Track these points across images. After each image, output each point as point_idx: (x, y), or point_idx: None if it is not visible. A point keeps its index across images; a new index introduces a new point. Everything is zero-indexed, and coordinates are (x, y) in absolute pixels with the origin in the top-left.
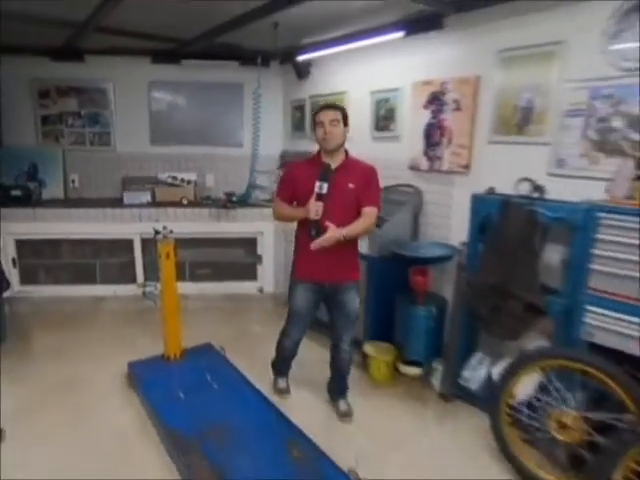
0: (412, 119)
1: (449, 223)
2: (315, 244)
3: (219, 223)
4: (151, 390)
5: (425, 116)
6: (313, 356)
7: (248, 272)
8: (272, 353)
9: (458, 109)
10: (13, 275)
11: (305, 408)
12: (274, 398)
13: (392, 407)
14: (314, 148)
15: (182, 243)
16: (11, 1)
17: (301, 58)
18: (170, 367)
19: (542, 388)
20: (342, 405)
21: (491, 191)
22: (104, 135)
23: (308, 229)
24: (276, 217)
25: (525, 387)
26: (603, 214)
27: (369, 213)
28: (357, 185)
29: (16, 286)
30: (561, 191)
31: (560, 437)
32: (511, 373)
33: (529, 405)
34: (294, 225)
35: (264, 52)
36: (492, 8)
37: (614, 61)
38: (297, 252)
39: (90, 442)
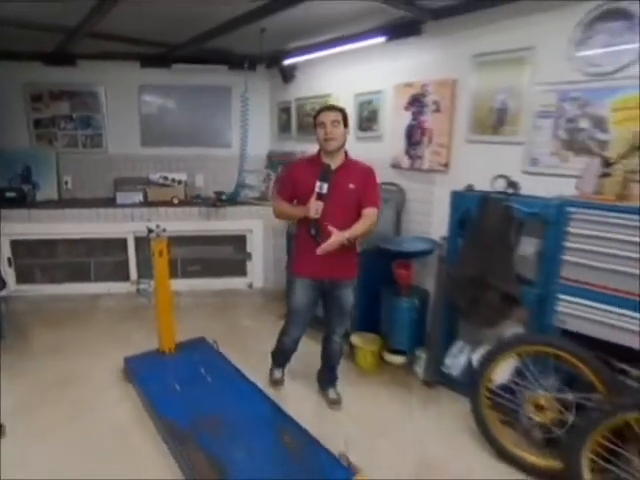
0: (394, 120)
1: (430, 219)
2: (321, 250)
3: (209, 221)
4: (147, 383)
5: (406, 117)
6: (303, 348)
7: (238, 268)
8: (263, 346)
9: (437, 110)
10: (9, 275)
11: (296, 398)
12: (269, 390)
13: (378, 394)
14: (300, 148)
15: (174, 241)
16: (5, 7)
17: (287, 62)
18: (165, 361)
19: (519, 373)
20: (331, 394)
21: (469, 188)
22: (96, 137)
23: (307, 227)
24: (276, 214)
25: (503, 372)
26: (573, 209)
27: (370, 214)
28: (357, 185)
29: (12, 285)
30: (534, 187)
31: (536, 417)
32: (490, 359)
33: (507, 389)
34: (284, 223)
35: (251, 56)
36: (467, 16)
37: (580, 66)
38: (296, 249)
39: (89, 436)
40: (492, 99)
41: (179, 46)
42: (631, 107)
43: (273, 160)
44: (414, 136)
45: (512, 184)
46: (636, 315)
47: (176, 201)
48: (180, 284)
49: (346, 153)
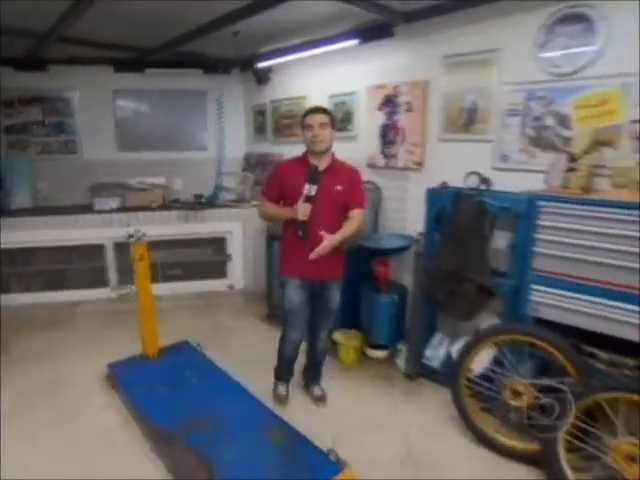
0: (368, 120)
1: (405, 216)
2: (314, 254)
3: (188, 224)
4: (132, 389)
5: (380, 117)
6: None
7: (218, 270)
8: (247, 347)
9: (410, 110)
10: None
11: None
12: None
13: (362, 389)
14: (276, 150)
15: (154, 246)
16: None
17: (261, 65)
18: (149, 365)
19: (496, 361)
20: (316, 390)
21: (444, 185)
22: (70, 143)
23: (294, 229)
24: (261, 216)
25: (481, 362)
26: (542, 202)
27: (357, 215)
28: (344, 187)
29: None
30: (505, 183)
31: (514, 403)
32: (468, 350)
33: (486, 377)
34: (263, 224)
35: (226, 60)
36: (437, 19)
37: (544, 67)
38: (284, 250)
39: (75, 442)
40: (462, 99)
41: (153, 50)
42: (591, 105)
43: (250, 162)
44: (388, 136)
45: (484, 180)
46: (604, 302)
47: (155, 205)
48: (161, 288)
49: (333, 154)
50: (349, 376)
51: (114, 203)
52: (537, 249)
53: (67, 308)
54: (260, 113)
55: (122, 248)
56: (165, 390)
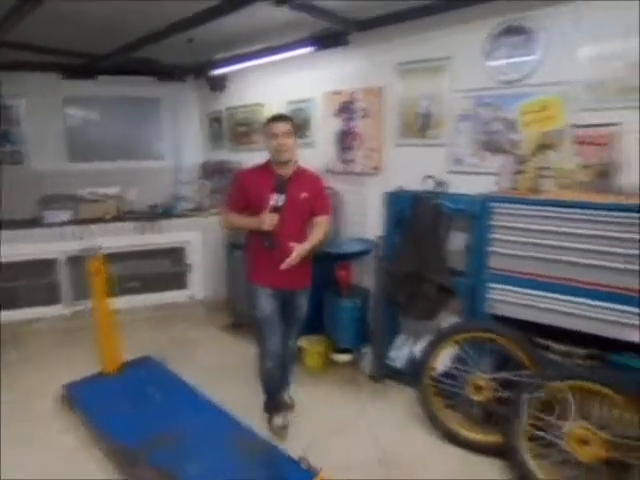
0: (325, 127)
1: (365, 220)
2: (285, 265)
3: (146, 236)
4: (91, 409)
5: (337, 123)
6: (247, 356)
7: (178, 281)
8: (210, 358)
9: (366, 116)
10: None
11: (248, 405)
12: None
13: (329, 394)
14: (234, 158)
15: (110, 258)
16: None
17: (216, 72)
18: (109, 383)
19: (458, 359)
20: (285, 397)
21: (401, 189)
22: (16, 154)
23: (261, 238)
24: (225, 227)
25: (444, 360)
26: (494, 203)
27: (322, 222)
28: (309, 194)
29: None
30: (460, 185)
31: (476, 398)
32: (431, 349)
33: (449, 375)
34: (223, 233)
35: (180, 67)
36: (389, 27)
37: (491, 75)
38: (252, 260)
39: (33, 471)
40: (417, 105)
41: (105, 56)
42: (535, 111)
43: (207, 170)
44: (346, 141)
45: (440, 183)
46: (556, 296)
47: (109, 217)
48: (119, 302)
49: (296, 162)
50: (316, 382)
51: (65, 215)
52: (492, 248)
53: (19, 327)
54: (216, 120)
55: (76, 262)
56: (127, 408)
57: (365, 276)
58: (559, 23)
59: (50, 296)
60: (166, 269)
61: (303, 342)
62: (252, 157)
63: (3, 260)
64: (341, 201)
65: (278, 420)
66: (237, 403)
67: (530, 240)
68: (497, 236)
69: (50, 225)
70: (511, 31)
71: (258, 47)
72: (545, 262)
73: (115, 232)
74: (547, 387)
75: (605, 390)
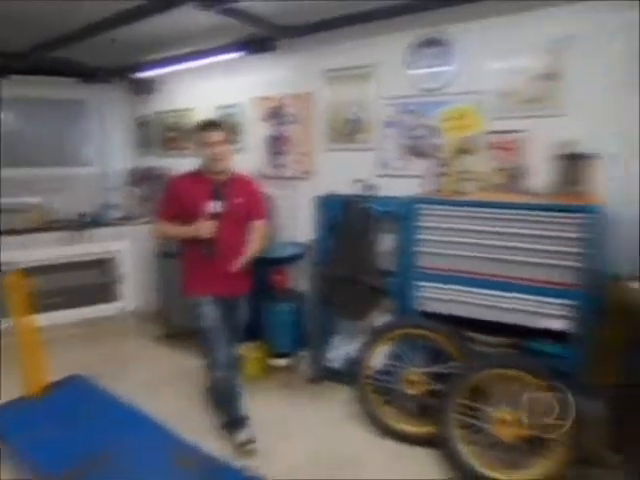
0: (256, 132)
1: (297, 223)
2: (232, 268)
3: (73, 246)
4: (13, 438)
5: (267, 129)
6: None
7: (108, 293)
8: (144, 372)
9: (296, 122)
10: None
11: (190, 418)
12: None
13: (270, 399)
14: (163, 164)
15: (32, 272)
16: None
17: (143, 75)
18: (33, 407)
19: (393, 356)
20: (243, 409)
21: (331, 192)
22: None
23: (197, 247)
24: (158, 237)
25: (379, 358)
26: (419, 205)
27: (260, 226)
28: (246, 200)
29: None
30: (388, 188)
31: (410, 392)
32: (366, 348)
33: (384, 372)
34: (153, 242)
35: (105, 68)
36: (316, 35)
37: (413, 83)
38: (190, 270)
39: None
40: (346, 111)
41: (20, 55)
42: (454, 118)
43: (136, 177)
44: (276, 146)
45: (369, 187)
46: (479, 291)
47: (31, 227)
48: (45, 318)
49: (231, 168)
50: (256, 388)
51: None
52: (418, 248)
53: None
54: (145, 125)
55: None
56: (54, 432)
57: (300, 280)
58: (472, 38)
59: None
60: (95, 281)
61: (241, 349)
62: (182, 163)
63: None
64: (274, 205)
65: (242, 435)
66: (179, 417)
67: (453, 239)
68: (423, 236)
69: None
70: (430, 43)
71: (186, 50)
72: (468, 259)
73: (40, 244)
74: (473, 377)
75: (523, 375)
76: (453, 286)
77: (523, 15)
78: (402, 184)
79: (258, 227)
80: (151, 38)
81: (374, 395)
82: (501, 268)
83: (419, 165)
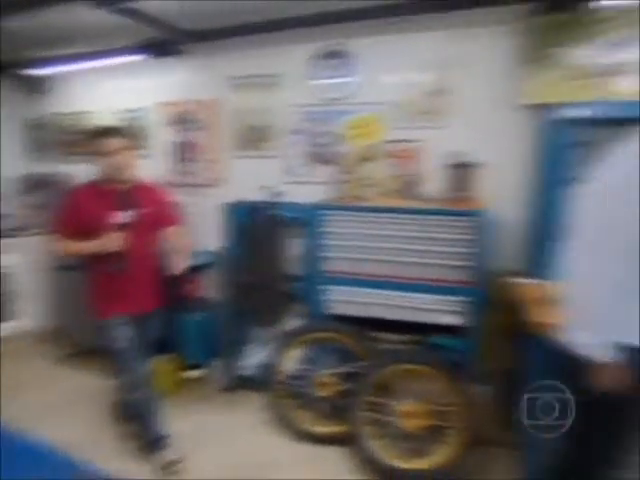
0: (161, 137)
1: (207, 231)
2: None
3: None
4: None
5: (173, 134)
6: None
7: (0, 311)
8: (42, 395)
9: (203, 128)
10: None
11: (95, 441)
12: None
13: (184, 411)
14: (60, 170)
15: None
16: None
17: (33, 72)
18: None
19: (304, 359)
20: (164, 428)
21: (240, 199)
22: None
23: (104, 263)
24: (59, 254)
25: (291, 362)
26: (322, 211)
27: (175, 232)
28: (154, 208)
29: None
30: (295, 195)
31: (322, 394)
32: (277, 353)
33: (297, 376)
34: (50, 254)
35: None
36: (221, 41)
37: (316, 93)
38: (98, 292)
39: None
40: (252, 118)
41: None
42: (357, 127)
43: (29, 184)
44: (183, 153)
45: (276, 193)
46: (381, 292)
47: None
48: None
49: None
50: (169, 402)
51: None
52: (323, 253)
53: None
54: (39, 127)
55: None
56: None
57: (211, 288)
58: (372, 52)
59: None
60: None
61: (152, 364)
62: (81, 169)
63: None
64: (182, 213)
65: (168, 455)
66: (87, 441)
67: (356, 243)
68: (328, 241)
69: None
70: (331, 55)
71: (84, 49)
72: (370, 262)
73: None
74: (377, 374)
75: (424, 368)
76: (357, 288)
77: (418, 34)
78: (308, 190)
79: (175, 233)
80: (43, 32)
81: (287, 400)
82: (400, 269)
83: (324, 172)
